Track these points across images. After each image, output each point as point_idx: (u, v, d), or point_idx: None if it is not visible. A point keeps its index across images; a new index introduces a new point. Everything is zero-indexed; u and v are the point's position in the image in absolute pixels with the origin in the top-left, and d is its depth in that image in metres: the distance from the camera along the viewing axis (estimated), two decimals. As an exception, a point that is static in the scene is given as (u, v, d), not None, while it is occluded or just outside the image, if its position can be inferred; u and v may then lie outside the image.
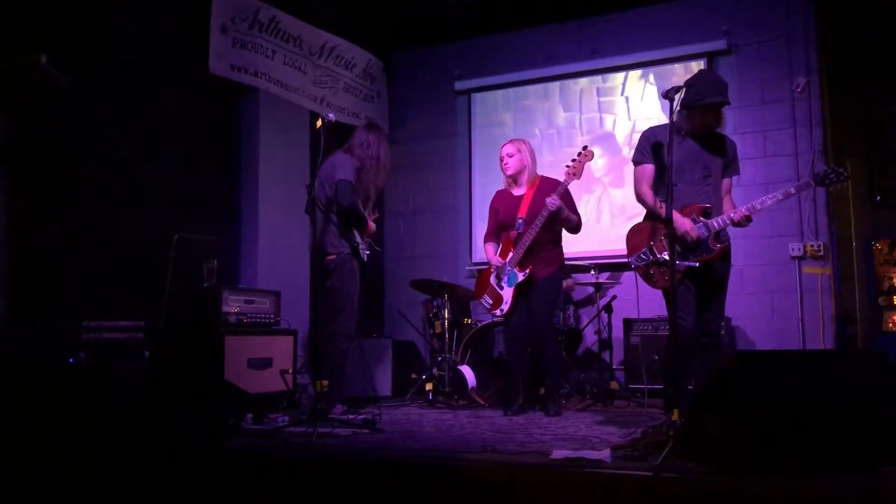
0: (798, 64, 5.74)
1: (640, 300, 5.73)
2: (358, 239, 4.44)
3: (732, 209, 3.63)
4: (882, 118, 5.51)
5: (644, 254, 3.67)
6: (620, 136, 6.30)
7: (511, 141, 4.69)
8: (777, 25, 5.82)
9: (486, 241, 4.76)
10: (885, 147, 5.49)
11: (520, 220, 4.43)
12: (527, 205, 4.47)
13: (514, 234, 4.47)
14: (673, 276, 3.07)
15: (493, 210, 4.72)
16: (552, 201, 4.26)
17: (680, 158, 3.62)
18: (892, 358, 2.73)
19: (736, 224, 3.55)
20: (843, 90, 5.62)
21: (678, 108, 3.53)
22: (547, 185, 4.50)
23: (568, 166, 4.38)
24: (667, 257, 3.50)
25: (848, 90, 5.60)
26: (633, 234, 3.82)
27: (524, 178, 4.59)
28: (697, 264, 3.52)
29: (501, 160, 4.63)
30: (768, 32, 5.84)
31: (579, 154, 4.40)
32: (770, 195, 3.54)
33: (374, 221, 4.62)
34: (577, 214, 4.53)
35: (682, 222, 3.55)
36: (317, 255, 4.39)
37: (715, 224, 3.57)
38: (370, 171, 4.47)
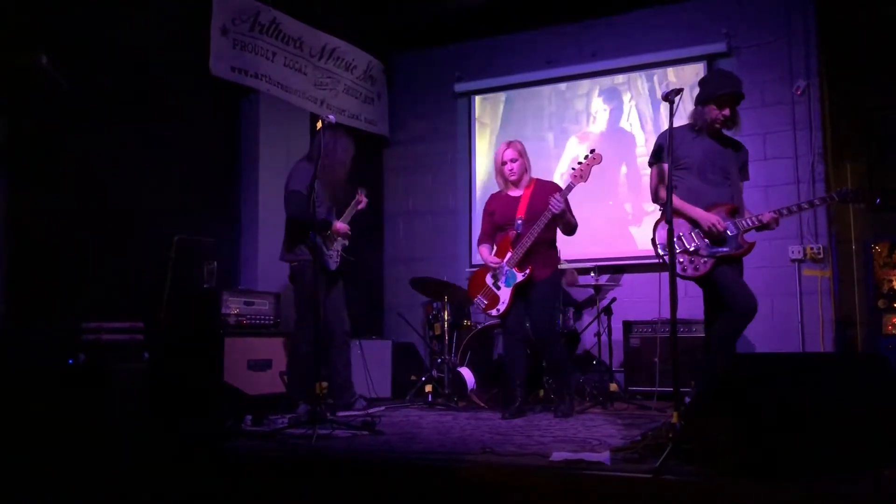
0: (798, 66, 5.74)
1: (640, 302, 5.74)
2: (324, 249, 4.50)
3: (754, 212, 3.73)
4: (882, 121, 5.50)
5: (677, 239, 3.66)
6: (618, 139, 6.31)
7: (509, 144, 4.56)
8: (777, 28, 5.82)
9: (480, 242, 4.69)
10: (885, 150, 5.49)
11: (519, 221, 4.38)
12: (525, 205, 4.43)
13: (512, 234, 4.42)
14: (672, 280, 3.06)
15: (488, 212, 4.64)
16: (557, 204, 4.20)
17: (701, 158, 3.72)
18: (891, 361, 2.73)
19: (764, 226, 3.64)
20: (843, 93, 5.62)
21: (678, 106, 3.55)
22: (543, 187, 4.48)
23: (574, 168, 4.30)
24: (695, 247, 3.55)
25: (848, 93, 5.60)
26: (660, 228, 3.83)
27: (524, 180, 4.57)
28: (727, 249, 3.60)
29: (504, 165, 4.52)
30: (768, 35, 5.85)
31: (586, 157, 4.30)
32: (794, 204, 3.69)
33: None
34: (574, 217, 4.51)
35: (708, 216, 3.63)
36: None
37: (743, 223, 3.66)
38: (327, 169, 4.38)
